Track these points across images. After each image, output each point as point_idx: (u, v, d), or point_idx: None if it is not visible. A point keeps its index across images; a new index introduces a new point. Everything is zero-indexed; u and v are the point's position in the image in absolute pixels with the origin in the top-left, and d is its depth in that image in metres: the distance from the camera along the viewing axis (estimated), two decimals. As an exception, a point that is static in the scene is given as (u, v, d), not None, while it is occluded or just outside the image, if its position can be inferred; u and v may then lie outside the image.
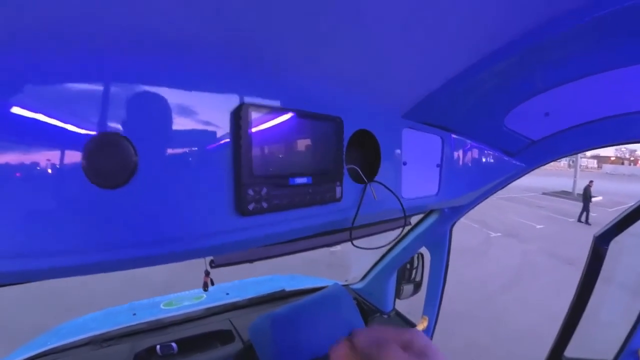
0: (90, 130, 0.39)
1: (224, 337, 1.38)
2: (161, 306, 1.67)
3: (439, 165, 0.87)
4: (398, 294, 1.65)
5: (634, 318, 1.25)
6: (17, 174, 0.35)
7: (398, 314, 1.68)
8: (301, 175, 0.55)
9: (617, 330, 1.35)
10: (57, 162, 0.37)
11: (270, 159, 0.51)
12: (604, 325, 2.20)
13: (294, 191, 0.55)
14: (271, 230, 0.55)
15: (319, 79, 0.56)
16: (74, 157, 0.38)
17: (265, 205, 0.51)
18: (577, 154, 1.05)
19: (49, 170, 0.37)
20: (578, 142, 0.92)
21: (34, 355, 1.25)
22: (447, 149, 0.88)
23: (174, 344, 1.29)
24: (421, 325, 1.44)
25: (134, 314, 1.56)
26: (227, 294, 1.76)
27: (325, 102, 0.60)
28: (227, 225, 0.50)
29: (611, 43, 0.54)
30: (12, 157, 0.35)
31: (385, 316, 1.64)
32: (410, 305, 1.69)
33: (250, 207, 0.49)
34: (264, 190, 0.50)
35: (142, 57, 0.42)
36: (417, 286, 1.64)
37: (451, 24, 0.46)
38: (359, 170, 0.66)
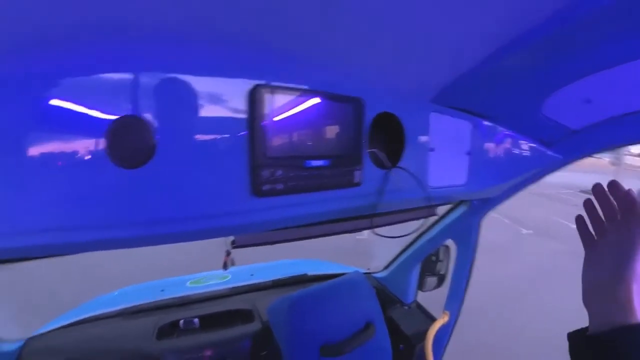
0: (112, 114, 0.40)
1: (244, 316, 1.41)
2: (188, 284, 1.74)
3: (469, 153, 0.82)
4: (421, 286, 1.60)
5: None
6: (49, 157, 0.38)
7: (419, 306, 1.64)
8: (318, 157, 0.54)
9: None
10: (82, 144, 0.39)
11: (285, 140, 0.50)
12: None
13: (310, 173, 0.53)
14: (287, 212, 0.55)
15: (338, 60, 0.53)
16: (97, 139, 0.40)
17: (280, 187, 0.50)
18: (620, 147, 0.92)
19: (76, 153, 0.39)
20: (623, 133, 0.80)
21: (71, 323, 1.35)
22: (477, 135, 0.82)
23: (196, 320, 1.34)
24: (442, 320, 1.40)
25: (162, 290, 1.63)
26: (252, 275, 1.80)
27: (345, 83, 0.57)
28: (242, 206, 0.50)
29: None
30: (44, 143, 0.38)
31: (406, 307, 1.61)
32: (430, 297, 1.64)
33: (265, 188, 0.49)
34: (279, 172, 0.50)
35: (158, 44, 0.42)
36: (441, 279, 1.58)
37: (481, 1, 0.41)
38: (380, 155, 0.64)
